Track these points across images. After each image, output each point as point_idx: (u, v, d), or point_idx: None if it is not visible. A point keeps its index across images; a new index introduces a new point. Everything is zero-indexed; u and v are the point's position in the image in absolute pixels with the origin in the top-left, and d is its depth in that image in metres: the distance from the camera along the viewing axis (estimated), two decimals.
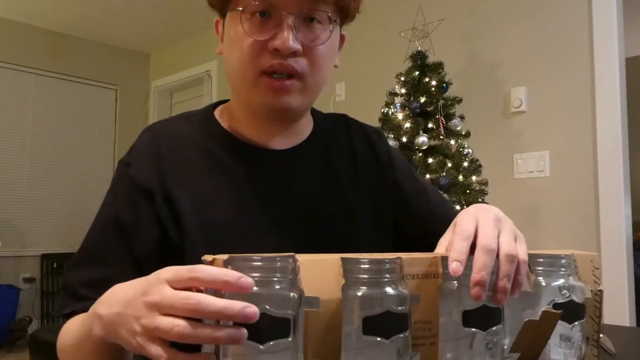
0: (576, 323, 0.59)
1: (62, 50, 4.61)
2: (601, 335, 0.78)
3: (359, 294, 0.48)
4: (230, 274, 0.44)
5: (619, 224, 2.33)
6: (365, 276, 0.49)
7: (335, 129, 0.92)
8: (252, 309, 0.43)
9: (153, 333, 0.46)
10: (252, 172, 0.81)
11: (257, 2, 0.71)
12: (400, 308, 0.49)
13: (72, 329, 0.68)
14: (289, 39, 0.71)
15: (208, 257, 0.48)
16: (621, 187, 2.35)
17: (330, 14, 0.75)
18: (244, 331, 0.43)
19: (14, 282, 4.22)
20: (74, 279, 0.75)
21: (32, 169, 4.42)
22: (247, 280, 0.44)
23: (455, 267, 0.52)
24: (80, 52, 4.72)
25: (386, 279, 0.49)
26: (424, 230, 0.88)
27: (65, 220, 4.55)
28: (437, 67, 2.48)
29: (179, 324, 0.44)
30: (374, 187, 0.89)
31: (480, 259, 0.52)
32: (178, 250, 0.75)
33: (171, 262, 0.53)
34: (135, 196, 0.76)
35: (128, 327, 0.49)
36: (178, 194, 0.76)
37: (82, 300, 0.72)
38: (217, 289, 0.45)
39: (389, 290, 0.49)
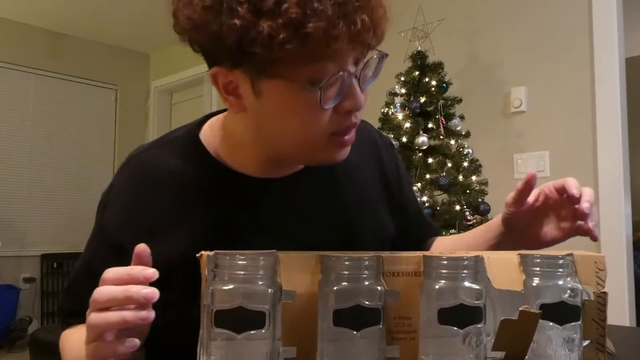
0: (569, 325, 0.58)
1: (62, 50, 4.61)
2: None
3: (334, 288, 0.52)
4: (134, 268, 0.55)
5: (619, 224, 2.33)
6: (341, 272, 0.53)
7: None
8: (148, 290, 0.53)
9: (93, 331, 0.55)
10: (245, 203, 0.76)
11: (331, 74, 0.62)
12: (372, 303, 0.52)
13: (71, 342, 0.75)
14: (361, 98, 0.66)
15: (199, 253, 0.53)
16: (621, 187, 2.35)
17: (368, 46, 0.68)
18: (148, 312, 0.54)
19: (14, 282, 4.22)
20: (66, 306, 0.82)
21: (32, 169, 4.42)
22: (148, 271, 0.54)
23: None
24: (80, 52, 4.72)
25: (363, 276, 0.53)
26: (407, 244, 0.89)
27: (65, 220, 4.55)
28: (437, 67, 2.48)
29: (91, 316, 0.55)
30: (378, 211, 0.86)
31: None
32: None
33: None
34: (105, 246, 0.77)
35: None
36: (155, 243, 0.63)
37: (73, 325, 0.79)
38: (125, 283, 0.54)
39: (362, 285, 0.53)
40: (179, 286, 0.66)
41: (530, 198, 0.72)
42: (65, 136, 4.60)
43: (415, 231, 0.94)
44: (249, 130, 0.72)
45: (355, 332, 0.52)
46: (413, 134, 2.40)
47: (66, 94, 4.63)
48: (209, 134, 0.79)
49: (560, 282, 0.59)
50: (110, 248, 0.75)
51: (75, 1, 4.03)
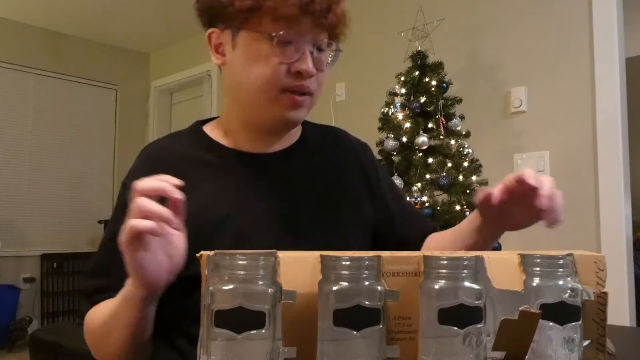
0: (569, 325, 0.58)
1: (62, 50, 4.61)
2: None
3: (334, 288, 0.53)
4: (164, 178, 0.67)
5: (619, 224, 2.33)
6: (341, 272, 0.53)
7: (323, 138, 1.02)
8: (176, 194, 0.66)
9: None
10: (242, 176, 0.90)
11: (285, 32, 0.81)
12: (372, 303, 0.53)
13: (104, 308, 0.80)
14: (311, 65, 0.83)
15: (198, 254, 0.54)
16: (621, 187, 2.35)
17: (328, 41, 0.88)
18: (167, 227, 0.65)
19: (14, 282, 4.22)
20: (89, 287, 0.87)
21: (32, 169, 4.42)
22: (176, 181, 0.67)
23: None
24: (80, 52, 4.72)
25: (363, 275, 0.53)
26: (400, 242, 0.99)
27: (65, 220, 4.55)
28: (437, 67, 2.48)
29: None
30: (358, 197, 0.98)
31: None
32: None
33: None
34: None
35: None
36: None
37: (98, 302, 0.84)
38: (157, 194, 0.65)
39: (362, 285, 0.53)
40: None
41: (497, 193, 0.78)
42: (65, 136, 4.60)
43: (403, 228, 1.02)
44: (228, 90, 0.93)
45: (355, 332, 0.52)
46: (413, 134, 2.40)
47: (66, 94, 4.63)
48: (209, 127, 0.98)
49: (561, 282, 0.59)
50: None
51: (75, 1, 4.03)
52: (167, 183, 0.66)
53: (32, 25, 4.42)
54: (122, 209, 0.83)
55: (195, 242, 0.69)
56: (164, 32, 4.63)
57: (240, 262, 0.50)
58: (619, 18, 2.44)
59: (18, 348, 3.90)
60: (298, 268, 0.55)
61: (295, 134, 0.99)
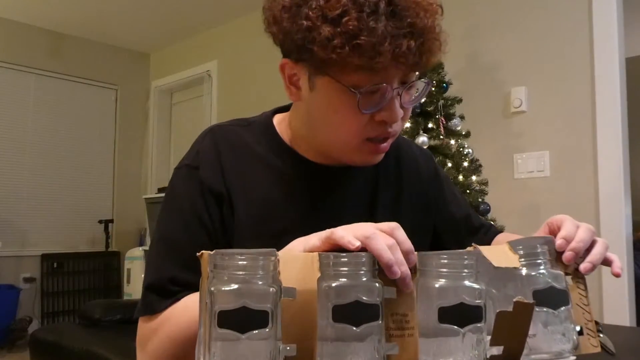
0: (562, 308, 0.60)
1: (62, 50, 4.61)
2: (601, 335, 0.78)
3: (332, 284, 0.53)
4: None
5: (619, 224, 2.33)
6: (338, 269, 0.54)
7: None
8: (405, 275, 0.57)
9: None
10: (308, 187, 0.86)
11: (372, 84, 0.72)
12: (370, 299, 0.53)
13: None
14: (397, 112, 0.76)
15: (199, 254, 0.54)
16: (621, 187, 2.35)
17: (418, 74, 0.79)
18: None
19: (14, 282, 4.22)
20: (166, 273, 0.77)
21: (32, 169, 4.42)
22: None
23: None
24: (80, 52, 4.72)
25: (361, 272, 0.54)
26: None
27: (65, 220, 4.55)
28: (437, 67, 2.48)
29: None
30: (416, 207, 0.96)
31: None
32: None
33: None
34: (209, 199, 0.81)
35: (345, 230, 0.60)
36: (236, 202, 0.81)
37: (173, 295, 0.75)
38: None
39: (360, 281, 0.54)
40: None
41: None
42: (65, 136, 4.60)
43: (469, 235, 1.00)
44: (302, 120, 0.85)
45: (354, 328, 0.52)
46: (413, 134, 2.40)
47: (66, 94, 4.63)
48: (278, 124, 0.91)
49: (543, 269, 0.62)
50: (212, 199, 0.81)
51: (75, 1, 4.03)
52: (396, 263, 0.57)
53: (32, 25, 4.42)
54: (193, 191, 0.80)
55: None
56: (164, 32, 4.63)
57: (240, 262, 0.51)
58: (619, 18, 2.44)
59: (18, 348, 3.90)
60: (296, 266, 0.55)
61: None
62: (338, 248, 0.59)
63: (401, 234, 0.60)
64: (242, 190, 0.82)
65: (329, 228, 0.77)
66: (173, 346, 0.71)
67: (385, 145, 0.80)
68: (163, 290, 0.76)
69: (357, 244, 0.57)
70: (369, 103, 0.74)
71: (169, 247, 0.80)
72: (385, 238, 0.58)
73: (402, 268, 0.56)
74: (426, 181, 0.99)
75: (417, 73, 0.77)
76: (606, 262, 0.70)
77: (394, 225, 0.60)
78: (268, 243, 0.75)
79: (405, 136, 2.40)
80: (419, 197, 0.97)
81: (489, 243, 0.99)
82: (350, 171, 0.88)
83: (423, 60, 0.72)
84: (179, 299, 0.75)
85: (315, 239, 0.62)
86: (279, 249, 0.76)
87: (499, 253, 0.63)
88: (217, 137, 0.87)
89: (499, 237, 1.01)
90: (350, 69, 0.71)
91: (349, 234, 0.58)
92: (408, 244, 0.59)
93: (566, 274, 0.65)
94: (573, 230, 0.70)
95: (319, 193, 0.86)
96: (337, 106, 0.75)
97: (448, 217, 1.00)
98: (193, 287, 0.70)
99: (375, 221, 0.86)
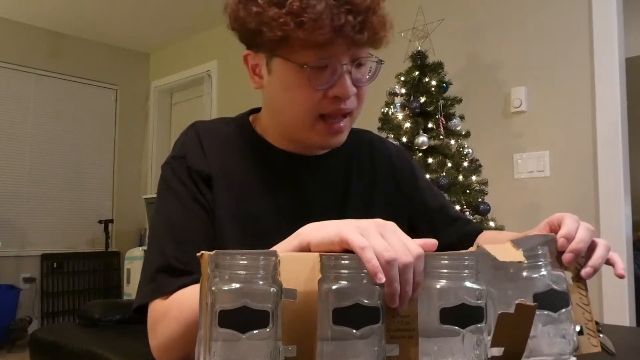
0: (562, 311, 0.60)
1: (62, 50, 4.61)
2: (601, 335, 0.78)
3: (333, 286, 0.53)
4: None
5: (619, 224, 2.33)
6: (340, 271, 0.54)
7: (358, 142, 1.01)
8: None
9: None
10: (282, 175, 0.90)
11: (319, 59, 0.78)
12: (371, 301, 0.53)
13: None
14: (349, 87, 0.80)
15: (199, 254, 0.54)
16: (621, 187, 2.35)
17: (369, 52, 0.83)
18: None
19: (14, 282, 4.22)
20: (170, 256, 0.78)
21: (32, 169, 4.42)
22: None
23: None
24: (80, 52, 4.72)
25: (362, 274, 0.54)
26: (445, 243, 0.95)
27: (65, 220, 4.55)
28: (437, 67, 2.48)
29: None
30: (391, 198, 0.99)
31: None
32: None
33: None
34: (199, 181, 0.85)
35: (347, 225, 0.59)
36: (218, 184, 0.86)
37: (184, 275, 0.76)
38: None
39: (361, 284, 0.54)
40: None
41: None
42: (65, 136, 4.60)
43: (445, 227, 1.02)
44: (267, 108, 0.91)
45: (355, 331, 0.52)
46: (413, 134, 2.40)
47: (66, 94, 4.63)
48: (253, 121, 0.96)
49: (544, 271, 0.62)
50: (202, 183, 0.85)
51: (75, 1, 4.03)
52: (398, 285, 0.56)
53: (32, 25, 4.42)
54: (185, 179, 0.84)
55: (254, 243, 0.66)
56: (164, 32, 4.63)
57: (241, 262, 0.51)
58: (619, 18, 2.45)
59: (18, 348, 3.90)
60: (297, 267, 0.55)
61: None
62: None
63: (420, 264, 0.56)
64: (223, 174, 0.86)
65: (303, 213, 0.84)
66: (183, 330, 0.71)
67: (342, 125, 0.84)
68: (173, 269, 0.77)
69: (383, 280, 0.53)
70: (319, 79, 0.79)
71: (171, 229, 0.82)
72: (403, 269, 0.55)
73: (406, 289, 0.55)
74: (400, 174, 1.02)
75: (368, 52, 0.82)
76: (609, 262, 0.71)
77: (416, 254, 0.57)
78: (246, 225, 0.84)
79: (404, 136, 2.41)
80: (393, 188, 0.99)
81: (469, 235, 1.00)
82: (322, 160, 0.93)
83: (365, 36, 0.77)
84: (186, 284, 0.75)
85: (334, 245, 0.59)
86: (257, 231, 0.84)
87: (502, 249, 0.63)
88: (199, 129, 0.92)
89: (486, 234, 1.01)
90: (297, 46, 0.77)
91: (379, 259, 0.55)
92: (420, 277, 0.57)
93: (566, 269, 0.65)
94: (574, 228, 0.70)
95: (292, 180, 0.91)
96: (290, 84, 0.81)
97: (422, 207, 1.02)
98: (199, 266, 0.69)
99: (347, 209, 0.91)
